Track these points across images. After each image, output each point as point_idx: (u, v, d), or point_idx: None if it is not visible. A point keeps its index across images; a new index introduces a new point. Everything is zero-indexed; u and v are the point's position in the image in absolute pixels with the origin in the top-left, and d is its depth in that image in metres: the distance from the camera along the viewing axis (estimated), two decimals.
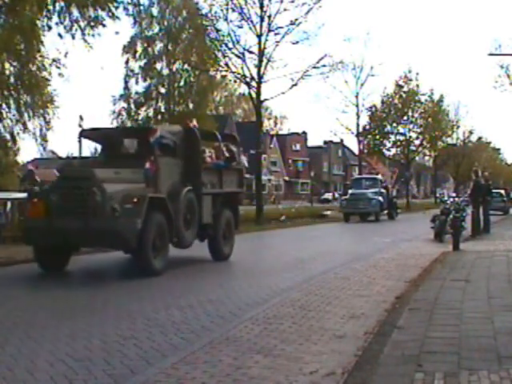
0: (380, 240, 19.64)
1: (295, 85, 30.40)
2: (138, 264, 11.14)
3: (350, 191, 34.93)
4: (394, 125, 50.96)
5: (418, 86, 50.29)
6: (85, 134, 13.41)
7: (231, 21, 29.17)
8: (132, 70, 33.13)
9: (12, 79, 21.12)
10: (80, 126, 13.24)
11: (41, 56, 20.20)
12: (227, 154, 14.13)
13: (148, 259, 10.78)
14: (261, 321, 7.30)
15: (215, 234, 13.48)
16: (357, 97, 45.89)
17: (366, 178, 38.50)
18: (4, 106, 22.27)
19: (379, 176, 37.70)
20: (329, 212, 36.34)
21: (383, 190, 34.04)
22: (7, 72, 20.78)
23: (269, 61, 29.27)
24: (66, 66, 19.53)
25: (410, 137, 52.01)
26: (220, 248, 13.73)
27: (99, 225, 10.40)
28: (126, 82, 33.43)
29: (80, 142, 13.15)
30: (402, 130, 51.53)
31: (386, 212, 34.06)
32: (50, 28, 17.51)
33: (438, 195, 41.74)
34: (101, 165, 12.28)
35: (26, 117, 23.52)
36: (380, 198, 32.65)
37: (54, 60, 19.26)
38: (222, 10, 29.13)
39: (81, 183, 10.72)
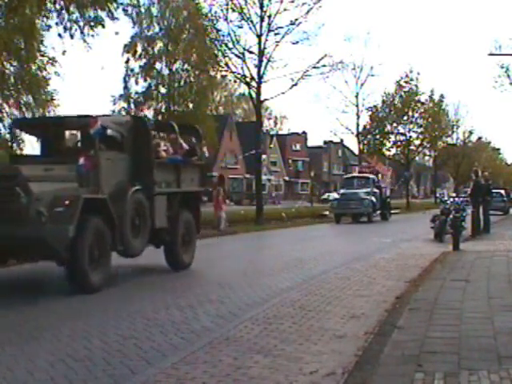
0: (380, 240, 19.64)
1: (295, 85, 30.41)
2: (70, 278, 9.21)
3: (341, 191, 33.73)
4: (394, 125, 50.99)
5: (416, 86, 50.32)
6: (19, 124, 11.95)
7: (231, 21, 29.20)
8: (132, 70, 33.08)
9: (12, 79, 21.11)
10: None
11: (41, 56, 20.18)
12: (186, 148, 12.69)
13: (83, 272, 9.07)
14: (261, 321, 7.30)
15: (172, 239, 11.76)
16: (357, 97, 45.96)
17: (358, 177, 36.23)
18: (4, 105, 22.26)
19: (372, 175, 35.80)
20: (329, 212, 36.36)
21: (376, 190, 32.71)
22: (7, 72, 20.76)
23: (269, 61, 29.28)
24: (61, 65, 19.53)
25: (410, 137, 52.06)
26: (178, 256, 11.97)
27: (23, 232, 8.71)
28: (126, 82, 33.39)
29: (12, 133, 11.57)
30: (402, 130, 51.58)
31: (379, 212, 32.78)
32: (50, 27, 17.49)
33: (437, 195, 41.67)
34: (34, 161, 10.56)
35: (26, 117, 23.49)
36: (372, 198, 31.31)
37: (49, 59, 19.25)
38: (222, 10, 29.17)
39: (4, 183, 8.99)
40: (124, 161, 10.66)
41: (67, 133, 11.75)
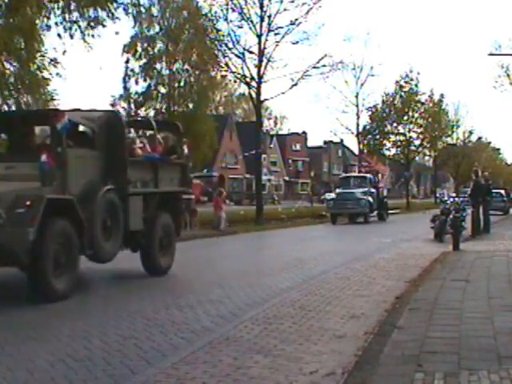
0: (380, 240, 19.64)
1: (295, 85, 30.43)
2: (31, 285, 8.54)
3: (337, 190, 32.95)
4: (394, 125, 51.00)
5: (416, 85, 50.32)
6: None
7: (231, 21, 29.22)
8: (132, 70, 33.15)
9: (12, 79, 21.11)
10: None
11: (41, 56, 20.18)
12: (165, 145, 12.09)
13: (45, 279, 8.37)
14: (261, 321, 7.30)
15: (148, 243, 11.00)
16: (357, 97, 45.95)
17: (355, 176, 35.81)
18: (4, 106, 22.26)
19: (369, 174, 35.14)
20: (325, 212, 36.24)
21: (373, 190, 31.90)
22: (7, 72, 20.77)
23: (269, 61, 29.30)
24: (63, 66, 19.52)
25: (410, 137, 52.08)
26: (155, 260, 11.18)
27: None
28: (126, 82, 33.45)
29: None
30: (402, 130, 51.59)
31: (376, 213, 32.14)
32: (49, 27, 17.50)
33: (437, 195, 41.64)
34: None
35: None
36: (369, 198, 30.50)
37: (51, 60, 19.24)
38: (221, 10, 29.18)
39: None
40: (95, 158, 9.91)
41: (33, 128, 10.77)
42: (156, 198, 11.24)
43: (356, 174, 36.51)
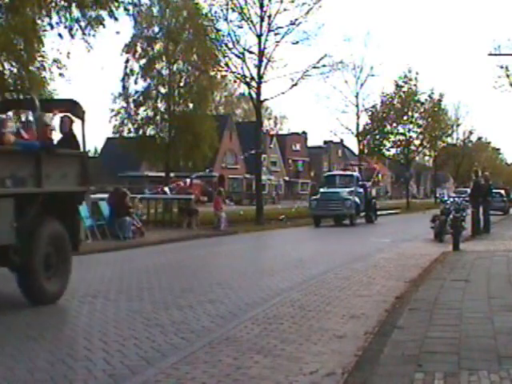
0: (379, 240, 19.64)
1: (295, 85, 30.44)
2: None
3: (321, 190, 30.23)
4: (394, 125, 51.00)
5: (416, 85, 50.34)
6: None
7: (231, 21, 29.23)
8: (132, 70, 33.10)
9: (11, 79, 21.11)
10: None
11: (41, 56, 20.18)
12: (56, 130, 9.52)
13: None
14: (261, 321, 7.30)
15: (26, 261, 8.17)
16: (357, 97, 45.95)
17: (341, 174, 32.59)
18: None
19: (355, 172, 32.22)
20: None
21: (360, 190, 29.58)
22: (7, 72, 20.77)
23: (269, 61, 29.31)
24: (66, 67, 19.52)
25: (410, 137, 52.09)
26: (35, 285, 8.29)
27: None
28: (125, 82, 33.41)
29: None
30: (401, 130, 51.60)
31: (363, 214, 29.86)
32: (52, 27, 17.48)
33: (438, 195, 41.62)
34: None
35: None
36: (356, 199, 28.06)
37: (54, 60, 19.23)
38: (221, 10, 29.20)
39: None
40: None
41: None
42: (37, 201, 8.43)
43: (342, 172, 32.99)
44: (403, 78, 50.07)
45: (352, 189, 28.51)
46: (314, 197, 29.60)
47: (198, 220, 23.86)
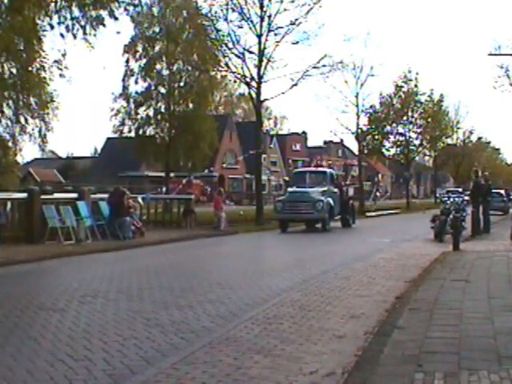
0: (379, 240, 19.64)
1: (295, 85, 30.40)
2: None
3: (288, 189, 26.42)
4: (394, 125, 50.98)
5: (416, 86, 50.30)
6: None
7: (231, 21, 29.19)
8: (132, 70, 33.15)
9: (11, 80, 21.12)
10: None
11: (41, 56, 20.19)
12: None
13: None
14: (261, 321, 7.30)
15: None
16: (357, 97, 45.85)
17: (312, 171, 27.62)
18: (3, 106, 22.28)
19: (330, 169, 27.99)
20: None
21: (335, 190, 26.05)
22: (7, 73, 20.79)
23: (269, 61, 29.28)
24: (67, 68, 19.53)
25: (410, 137, 52.11)
26: None
27: None
28: (125, 82, 33.45)
29: None
30: (401, 131, 51.59)
31: (339, 218, 26.44)
32: (52, 27, 17.49)
33: (438, 195, 41.58)
34: None
35: (25, 117, 23.54)
36: (329, 200, 24.29)
37: (55, 61, 19.25)
38: (222, 10, 29.16)
39: None
40: None
41: None
42: None
43: (313, 169, 28.04)
44: (403, 78, 50.09)
45: (324, 188, 24.82)
46: (280, 197, 26.34)
47: (195, 220, 23.85)
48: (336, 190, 26.12)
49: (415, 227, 25.71)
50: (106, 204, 19.48)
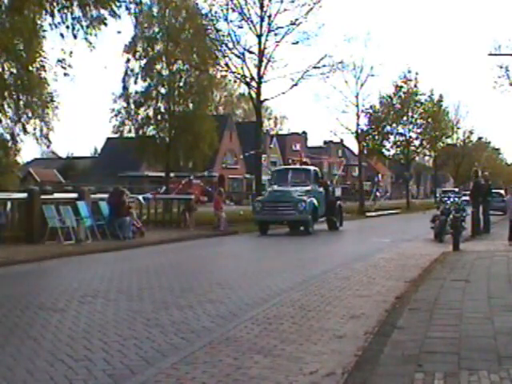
0: (379, 240, 19.64)
1: (295, 85, 30.47)
2: None
3: (268, 188, 24.87)
4: (394, 125, 51.00)
5: (415, 85, 50.31)
6: None
7: (231, 21, 29.27)
8: (132, 70, 33.14)
9: (11, 80, 21.14)
10: None
11: (41, 56, 20.21)
12: None
13: None
14: (261, 321, 7.30)
15: None
16: (357, 97, 45.85)
17: (294, 169, 26.10)
18: (3, 106, 22.29)
19: (313, 167, 26.09)
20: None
21: (320, 189, 24.16)
22: (7, 73, 20.80)
23: (269, 61, 29.35)
24: (71, 66, 19.50)
25: (410, 137, 52.10)
26: None
27: None
28: (125, 82, 33.44)
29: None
30: (401, 131, 51.61)
31: (324, 219, 24.52)
32: (56, 26, 17.48)
33: (437, 195, 41.54)
34: None
35: (25, 117, 23.56)
36: (313, 200, 22.47)
37: (59, 60, 19.22)
38: (222, 10, 29.24)
39: None
40: None
41: None
42: None
43: (296, 167, 26.49)
44: (403, 78, 50.12)
45: (308, 188, 23.08)
46: (259, 197, 24.52)
47: (193, 218, 23.84)
48: (321, 189, 24.36)
49: (415, 227, 25.71)
50: (106, 204, 19.48)
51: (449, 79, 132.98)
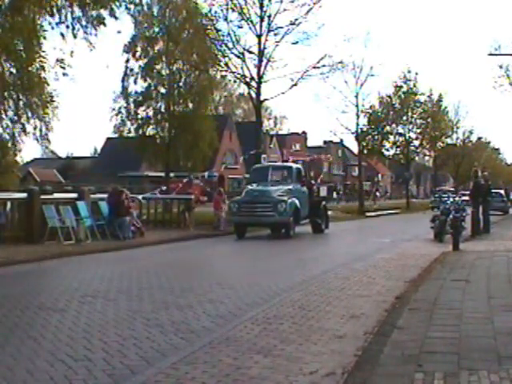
0: (379, 240, 19.64)
1: (295, 85, 30.46)
2: None
3: (246, 187, 22.72)
4: (393, 125, 51.01)
5: (415, 85, 50.31)
6: None
7: (231, 21, 29.28)
8: (132, 70, 33.12)
9: (11, 80, 21.11)
10: None
11: (40, 56, 20.17)
12: None
13: None
14: (261, 321, 7.30)
15: None
16: (357, 97, 45.86)
17: (275, 166, 24.58)
18: (3, 106, 22.27)
19: (296, 164, 24.06)
20: (330, 212, 35.87)
21: (303, 188, 22.38)
22: (6, 73, 20.77)
23: (269, 61, 29.35)
24: (70, 66, 19.48)
25: (410, 137, 52.13)
26: None
27: None
28: (125, 82, 33.42)
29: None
30: (401, 131, 51.62)
31: (308, 221, 22.85)
32: (57, 24, 17.47)
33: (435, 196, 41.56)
34: None
35: (25, 117, 23.52)
36: (295, 201, 20.73)
37: (58, 60, 19.22)
38: (221, 10, 29.23)
39: None
40: None
41: None
42: None
43: (276, 164, 24.48)
44: (402, 78, 50.13)
45: (290, 187, 21.32)
46: (236, 197, 22.53)
47: (192, 217, 23.83)
48: (304, 188, 22.51)
49: (415, 227, 25.71)
50: (106, 204, 19.49)
51: (448, 79, 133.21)
